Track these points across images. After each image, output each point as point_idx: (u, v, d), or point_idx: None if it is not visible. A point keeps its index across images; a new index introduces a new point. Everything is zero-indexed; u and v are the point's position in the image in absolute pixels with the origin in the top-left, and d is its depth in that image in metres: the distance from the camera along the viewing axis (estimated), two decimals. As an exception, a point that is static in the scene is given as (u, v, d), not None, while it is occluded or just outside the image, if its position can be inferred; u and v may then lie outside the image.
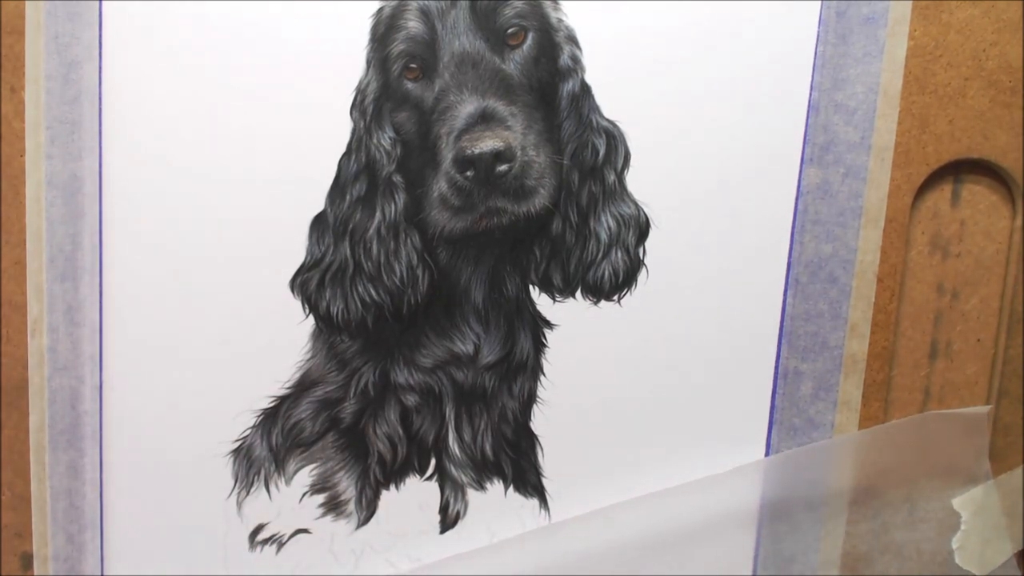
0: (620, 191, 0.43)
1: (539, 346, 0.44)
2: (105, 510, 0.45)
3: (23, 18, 0.42)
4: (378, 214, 0.43)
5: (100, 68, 0.42)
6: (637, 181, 0.43)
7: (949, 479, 0.44)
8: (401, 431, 0.45)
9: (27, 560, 0.46)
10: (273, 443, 0.45)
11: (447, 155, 0.41)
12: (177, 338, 0.43)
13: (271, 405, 0.44)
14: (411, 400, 0.45)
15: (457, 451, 0.45)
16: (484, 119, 0.41)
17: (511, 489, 0.45)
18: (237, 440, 0.44)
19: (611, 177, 0.43)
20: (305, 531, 0.45)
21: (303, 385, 0.44)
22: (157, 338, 0.44)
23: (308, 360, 0.44)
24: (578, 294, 0.44)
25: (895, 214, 0.43)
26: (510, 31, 0.42)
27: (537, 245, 0.44)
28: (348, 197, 0.43)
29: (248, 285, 0.43)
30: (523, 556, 0.45)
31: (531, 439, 0.45)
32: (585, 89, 0.42)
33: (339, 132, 0.42)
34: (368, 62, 0.42)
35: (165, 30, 0.41)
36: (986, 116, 0.43)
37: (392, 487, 0.45)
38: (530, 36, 0.42)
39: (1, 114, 0.43)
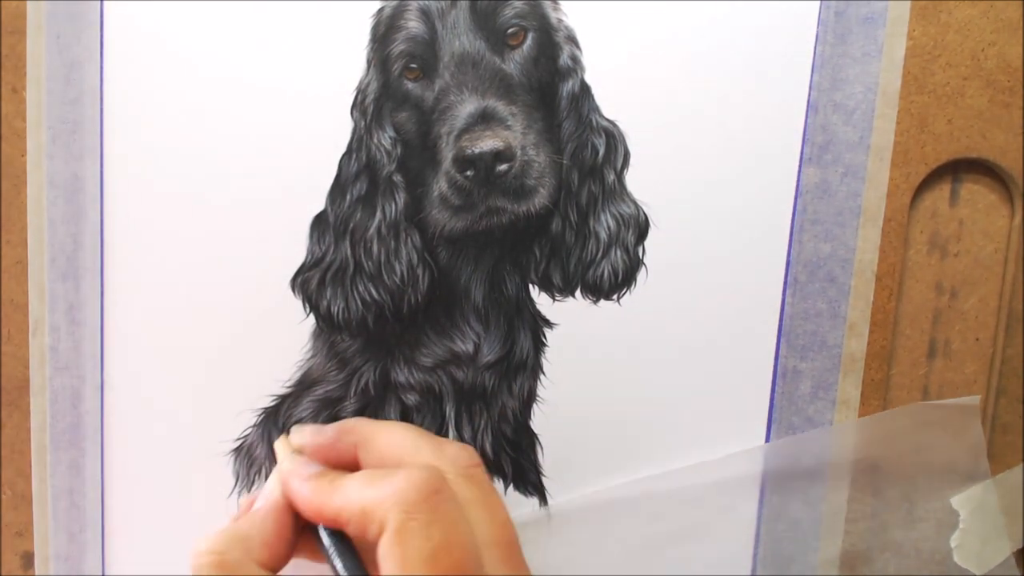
0: (620, 191, 0.43)
1: (539, 345, 0.44)
2: (106, 509, 0.45)
3: (24, 18, 0.42)
4: (378, 213, 0.43)
5: (101, 68, 0.42)
6: (637, 181, 0.43)
7: (947, 476, 0.44)
8: (401, 430, 0.45)
9: (28, 559, 0.46)
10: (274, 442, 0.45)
11: (447, 155, 0.41)
12: (178, 337, 0.44)
13: (272, 404, 0.44)
14: (411, 399, 0.45)
15: (457, 450, 0.45)
16: (484, 119, 0.41)
17: (511, 488, 0.46)
18: (238, 439, 0.44)
19: (611, 177, 0.43)
20: (306, 530, 0.45)
21: (304, 384, 0.44)
22: (158, 337, 0.44)
23: (309, 359, 0.44)
24: (578, 293, 0.44)
25: (894, 213, 0.43)
26: (510, 31, 0.42)
27: (537, 244, 0.44)
28: (348, 196, 0.43)
29: (248, 285, 0.43)
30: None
31: (531, 438, 0.45)
32: (585, 89, 0.42)
33: (339, 132, 0.42)
34: (368, 62, 0.42)
35: (166, 30, 0.42)
36: (985, 116, 0.43)
37: (392, 486, 0.45)
38: (530, 36, 0.42)
39: (2, 114, 0.43)
